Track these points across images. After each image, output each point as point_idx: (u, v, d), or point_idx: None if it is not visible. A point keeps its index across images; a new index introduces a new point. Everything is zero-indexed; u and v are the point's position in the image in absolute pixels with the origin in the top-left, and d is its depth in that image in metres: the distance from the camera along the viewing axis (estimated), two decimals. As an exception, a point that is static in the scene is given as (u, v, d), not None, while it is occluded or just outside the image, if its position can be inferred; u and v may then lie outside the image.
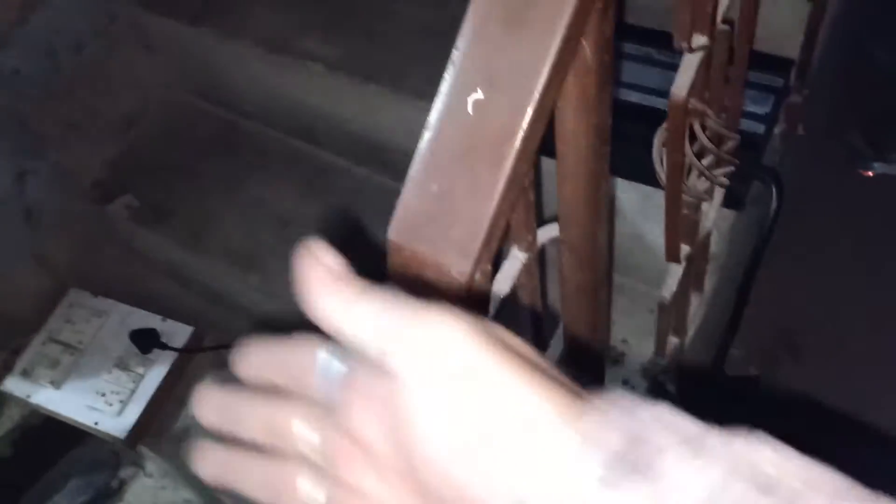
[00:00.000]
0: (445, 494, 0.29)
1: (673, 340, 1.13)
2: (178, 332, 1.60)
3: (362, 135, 1.46)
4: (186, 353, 1.59)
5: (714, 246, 1.15)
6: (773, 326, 1.81)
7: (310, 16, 1.45)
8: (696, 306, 1.15)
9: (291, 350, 0.35)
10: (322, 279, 0.33)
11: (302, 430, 0.33)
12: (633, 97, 1.09)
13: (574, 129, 0.56)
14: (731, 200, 1.08)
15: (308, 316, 0.33)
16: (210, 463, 0.37)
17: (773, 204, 1.02)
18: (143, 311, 1.63)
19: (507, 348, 0.29)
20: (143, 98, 1.70)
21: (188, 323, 1.60)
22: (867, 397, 1.69)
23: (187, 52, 1.57)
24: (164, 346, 1.57)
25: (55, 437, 1.62)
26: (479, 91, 0.48)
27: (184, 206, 1.59)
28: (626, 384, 1.27)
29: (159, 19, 1.58)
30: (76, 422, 1.53)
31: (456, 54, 0.49)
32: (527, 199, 0.59)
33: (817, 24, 1.03)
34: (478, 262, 0.49)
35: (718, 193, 1.01)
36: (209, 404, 0.37)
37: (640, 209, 1.24)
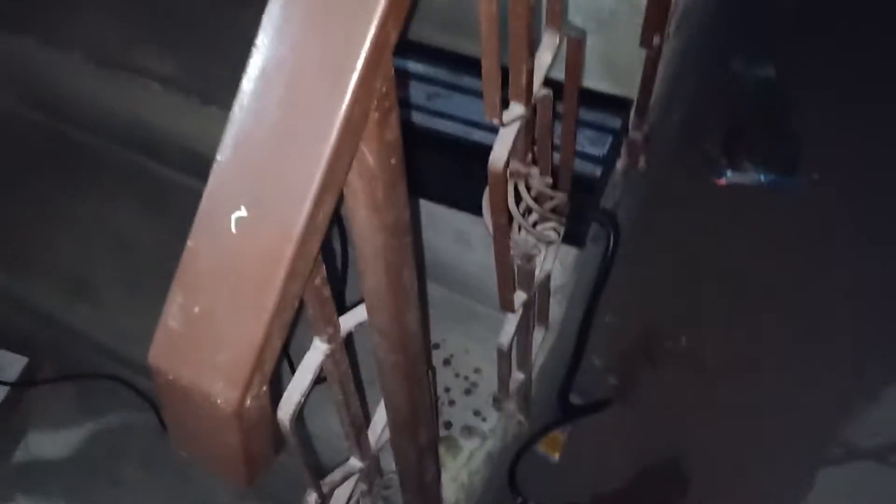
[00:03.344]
0: None
1: (518, 377, 1.13)
2: (10, 364, 1.49)
3: (204, 152, 1.38)
4: (20, 387, 1.48)
5: (560, 279, 1.15)
6: (632, 335, 1.87)
7: (143, 27, 1.35)
8: (542, 339, 1.15)
9: None
10: None
11: None
12: (476, 135, 1.07)
13: (367, 226, 0.53)
14: (572, 239, 1.08)
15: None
16: None
17: (610, 243, 1.03)
18: (-28, 343, 1.50)
19: None
20: (-37, 106, 1.55)
21: (21, 353, 1.49)
22: (722, 401, 1.76)
23: (10, 61, 1.44)
24: (-7, 378, 1.46)
25: None
26: (244, 209, 0.44)
27: (7, 225, 1.47)
28: (478, 415, 1.26)
29: (-22, 24, 1.44)
30: None
31: (217, 167, 0.44)
32: (321, 296, 0.55)
33: (654, 66, 1.04)
34: (247, 388, 0.45)
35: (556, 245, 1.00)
36: None
37: (488, 241, 1.23)
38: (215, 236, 0.45)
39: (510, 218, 0.79)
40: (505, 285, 0.86)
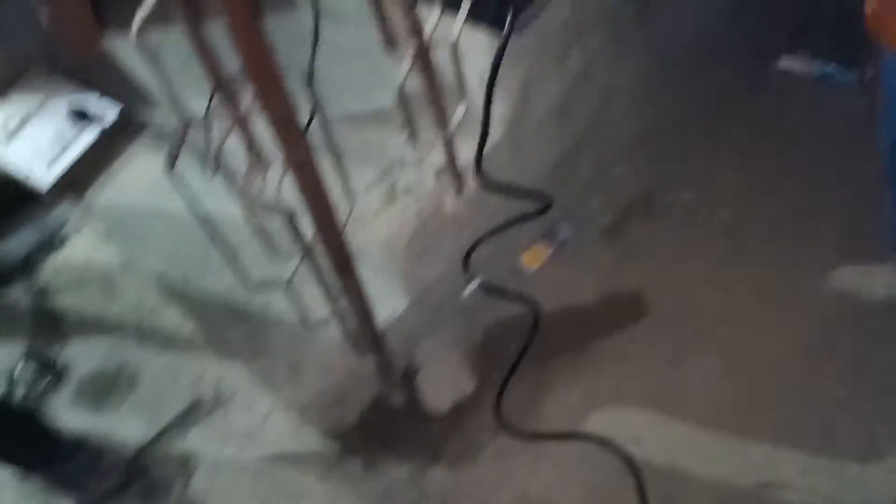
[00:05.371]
0: None
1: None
2: (109, 109, 1.91)
3: None
4: (113, 128, 1.90)
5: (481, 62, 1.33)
6: (637, 188, 2.00)
7: None
8: (464, 110, 1.36)
9: None
10: None
11: None
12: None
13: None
14: (493, 24, 1.27)
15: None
16: None
17: (507, 27, 1.21)
18: (84, 90, 1.93)
19: None
20: None
21: (121, 101, 1.90)
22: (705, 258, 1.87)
23: None
24: (94, 119, 1.89)
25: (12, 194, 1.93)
26: None
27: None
28: (419, 182, 1.48)
29: None
30: (13, 173, 1.86)
31: None
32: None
33: None
34: None
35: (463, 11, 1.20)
36: None
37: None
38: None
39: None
40: (381, 21, 1.09)
